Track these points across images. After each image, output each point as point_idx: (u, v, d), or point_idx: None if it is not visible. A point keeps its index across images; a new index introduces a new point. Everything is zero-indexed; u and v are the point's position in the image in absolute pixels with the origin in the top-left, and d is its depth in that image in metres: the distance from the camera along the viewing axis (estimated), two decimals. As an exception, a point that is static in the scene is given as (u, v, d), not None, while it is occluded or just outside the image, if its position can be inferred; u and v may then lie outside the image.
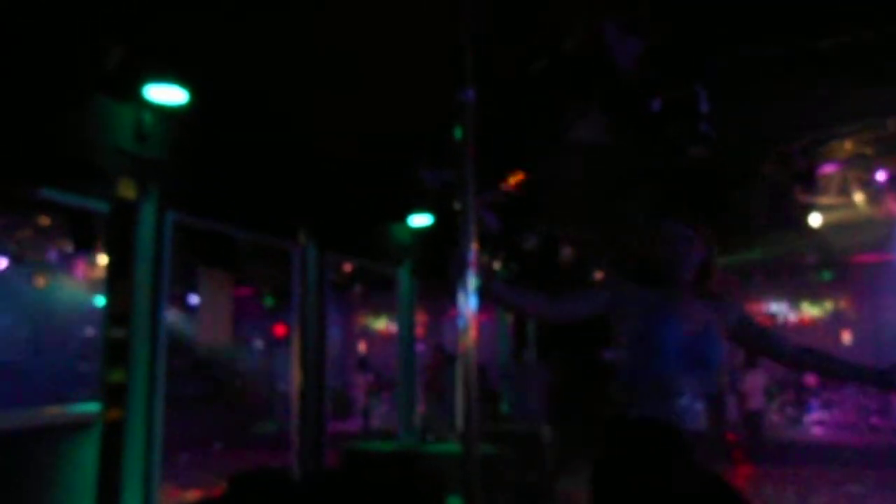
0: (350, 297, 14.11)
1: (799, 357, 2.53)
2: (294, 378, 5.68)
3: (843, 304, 12.70)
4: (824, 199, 6.75)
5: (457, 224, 2.33)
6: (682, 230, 2.41)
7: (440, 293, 9.97)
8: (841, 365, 2.55)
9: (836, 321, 12.69)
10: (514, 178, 5.88)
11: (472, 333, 2.31)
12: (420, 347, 8.68)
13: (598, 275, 10.98)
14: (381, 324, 15.00)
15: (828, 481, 8.21)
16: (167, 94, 3.77)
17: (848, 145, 5.72)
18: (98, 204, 3.87)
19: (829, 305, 12.78)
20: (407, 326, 7.35)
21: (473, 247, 2.28)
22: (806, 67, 4.05)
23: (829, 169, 6.15)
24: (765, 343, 2.55)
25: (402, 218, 6.70)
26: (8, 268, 4.89)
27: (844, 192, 6.60)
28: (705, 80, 3.65)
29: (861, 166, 6.24)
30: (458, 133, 2.33)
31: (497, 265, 9.17)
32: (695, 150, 4.06)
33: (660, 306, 2.35)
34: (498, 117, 4.05)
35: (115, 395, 4.05)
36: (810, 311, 12.89)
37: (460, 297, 2.32)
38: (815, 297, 12.80)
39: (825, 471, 8.80)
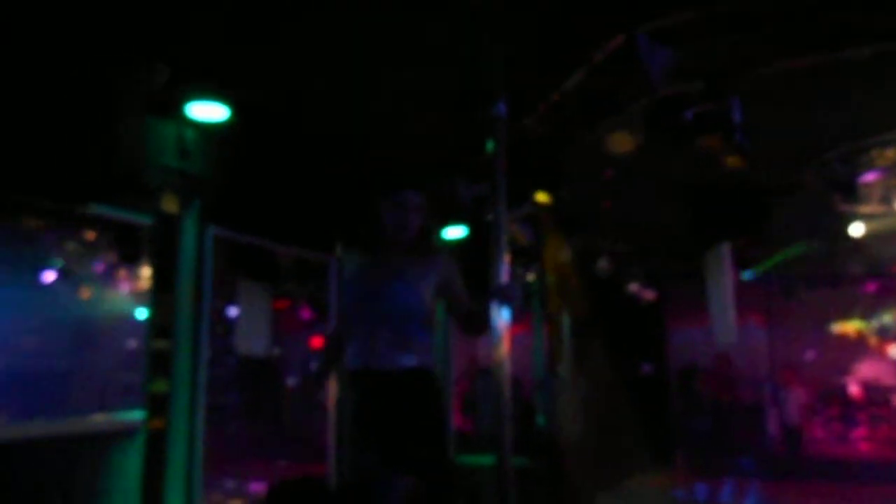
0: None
1: (463, 318, 2.76)
2: (330, 388, 5.74)
3: (888, 315, 12.34)
4: (866, 209, 6.60)
5: (490, 236, 2.37)
6: (413, 198, 2.66)
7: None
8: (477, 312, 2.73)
9: (882, 333, 12.33)
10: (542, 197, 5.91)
11: (505, 346, 2.34)
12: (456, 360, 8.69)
13: (634, 287, 10.88)
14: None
15: (873, 498, 7.97)
16: (209, 111, 3.89)
17: (890, 153, 5.59)
18: (142, 218, 3.99)
19: (873, 317, 12.43)
20: (442, 338, 7.38)
21: (505, 258, 2.32)
22: (845, 75, 4.00)
23: (870, 177, 6.01)
24: (453, 305, 2.77)
25: (436, 231, 6.75)
26: (55, 281, 5.05)
27: (887, 200, 6.45)
28: (739, 90, 3.63)
29: (903, 175, 6.09)
30: (490, 146, 2.37)
31: (531, 277, 9.16)
32: (730, 161, 4.03)
33: (370, 268, 2.68)
34: (532, 131, 4.08)
35: (157, 405, 4.16)
36: (854, 323, 12.56)
37: (493, 310, 2.36)
38: (858, 308, 12.47)
39: (870, 487, 8.55)
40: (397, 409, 2.50)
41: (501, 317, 2.38)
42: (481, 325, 2.62)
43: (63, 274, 4.03)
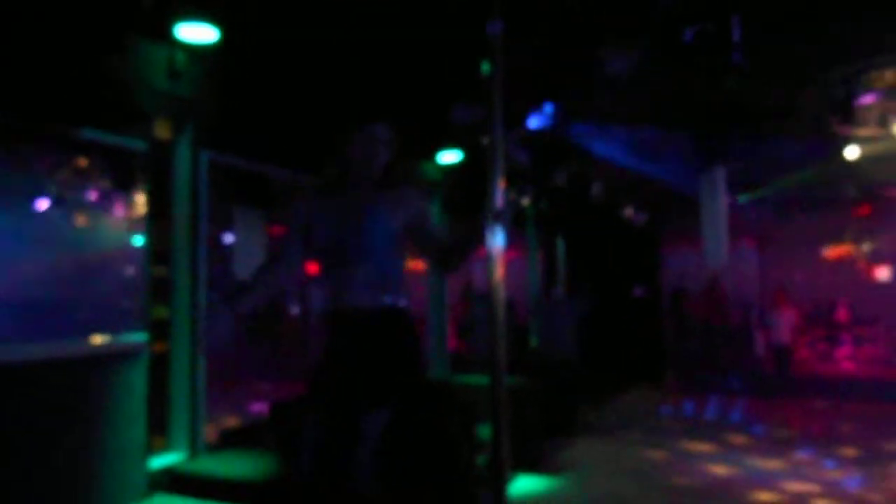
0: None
1: (437, 254, 2.71)
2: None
3: (880, 239, 12.45)
4: (862, 131, 6.57)
5: (486, 160, 2.35)
6: (383, 132, 2.61)
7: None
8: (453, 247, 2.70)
9: (873, 257, 12.47)
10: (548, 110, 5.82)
11: (499, 270, 2.37)
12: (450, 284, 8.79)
13: (628, 211, 10.92)
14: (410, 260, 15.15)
15: (856, 414, 8.26)
16: (198, 32, 3.80)
17: (889, 76, 5.53)
18: (135, 143, 3.96)
19: (866, 240, 12.53)
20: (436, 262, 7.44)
21: (501, 182, 2.32)
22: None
23: (867, 100, 5.96)
24: (424, 241, 2.70)
25: (431, 155, 6.71)
26: (49, 208, 5.04)
27: (883, 123, 6.41)
28: (739, 10, 3.55)
29: (902, 97, 6.04)
30: (485, 67, 2.33)
31: (526, 202, 9.17)
32: (729, 81, 3.98)
33: (338, 204, 2.61)
34: (530, 51, 4.01)
35: (159, 330, 4.24)
36: (845, 245, 12.68)
37: (488, 235, 2.37)
38: (850, 231, 12.56)
39: (854, 404, 8.85)
40: (372, 348, 2.50)
41: (496, 241, 2.39)
42: (459, 258, 2.61)
43: (56, 201, 4.02)
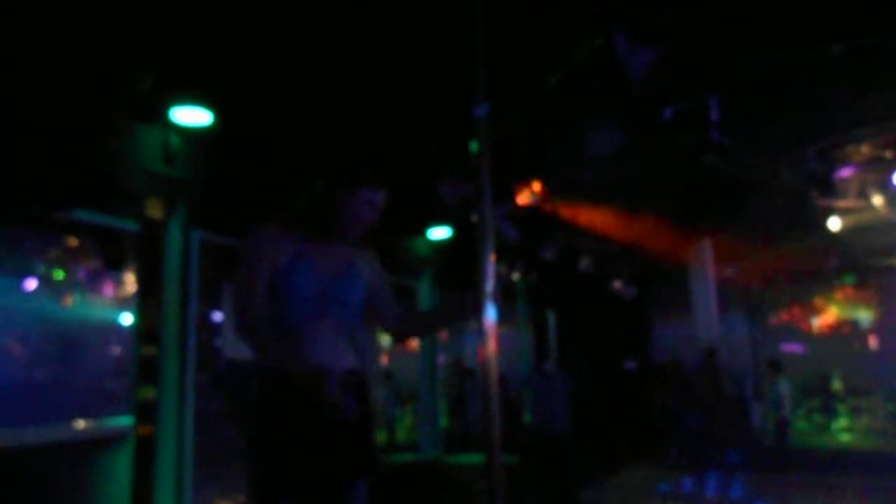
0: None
1: (398, 325, 2.55)
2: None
3: (867, 309, 12.54)
4: (843, 203, 6.72)
5: (475, 236, 2.38)
6: (384, 200, 2.45)
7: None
8: (428, 315, 2.62)
9: (861, 326, 12.52)
10: (535, 186, 5.93)
11: (492, 344, 2.36)
12: (441, 359, 8.73)
13: (617, 284, 10.98)
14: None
15: (856, 489, 8.10)
16: (192, 116, 3.89)
17: (865, 149, 5.71)
18: (127, 223, 3.99)
19: (854, 310, 12.62)
20: (429, 339, 7.41)
21: (491, 258, 2.34)
22: (819, 72, 4.07)
23: (846, 173, 6.13)
24: (377, 306, 2.52)
25: (421, 231, 6.78)
26: (37, 288, 5.02)
27: (863, 195, 6.57)
28: (717, 90, 3.69)
29: (879, 169, 6.22)
30: (473, 147, 2.39)
31: (516, 276, 9.21)
32: (708, 158, 4.09)
33: (297, 253, 2.34)
34: (515, 131, 4.12)
35: (145, 411, 4.15)
36: (836, 315, 12.74)
37: (482, 311, 2.36)
38: (837, 302, 12.65)
39: (853, 478, 8.69)
40: (331, 412, 2.25)
41: (489, 316, 2.39)
42: (419, 329, 2.49)
43: (45, 281, 4.00)
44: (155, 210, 4.19)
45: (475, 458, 5.98)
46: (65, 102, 3.48)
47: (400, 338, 2.56)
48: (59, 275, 4.21)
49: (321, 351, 2.28)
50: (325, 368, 2.26)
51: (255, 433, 2.25)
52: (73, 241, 4.36)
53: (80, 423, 3.62)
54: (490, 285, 2.32)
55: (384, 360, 15.14)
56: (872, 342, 11.99)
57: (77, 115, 3.53)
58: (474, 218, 2.43)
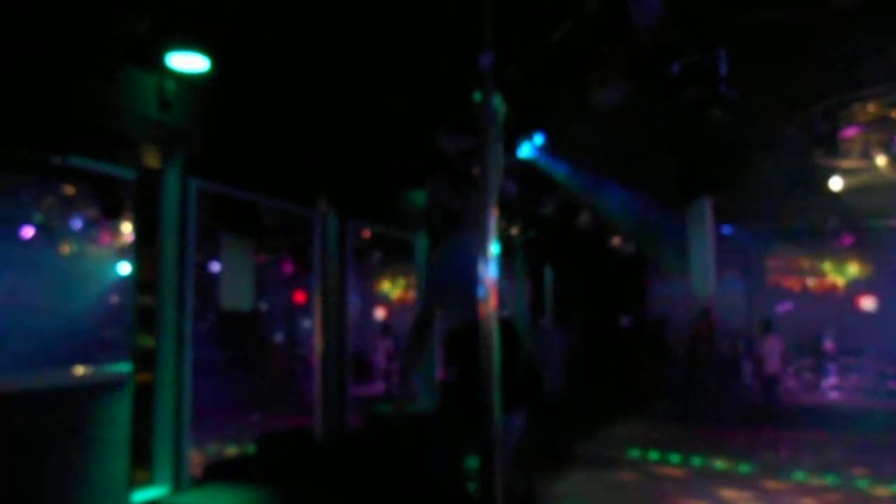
0: (368, 264, 14.17)
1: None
2: (315, 343, 5.79)
3: (864, 269, 12.58)
4: (846, 163, 6.67)
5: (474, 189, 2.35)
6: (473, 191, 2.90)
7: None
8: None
9: (857, 287, 12.57)
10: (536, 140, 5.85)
11: (492, 301, 2.35)
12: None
13: (616, 240, 10.97)
14: (399, 290, 15.07)
15: (843, 443, 8.24)
16: (189, 61, 3.80)
17: (871, 108, 5.63)
18: (124, 171, 3.94)
19: (850, 270, 12.66)
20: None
21: (493, 211, 2.31)
22: (829, 28, 3.99)
23: (851, 132, 6.06)
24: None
25: (420, 184, 6.72)
26: (34, 236, 4.99)
27: (866, 155, 6.52)
28: (726, 43, 3.61)
29: (884, 129, 6.15)
30: (477, 97, 2.34)
31: (515, 231, 9.19)
32: (715, 113, 4.03)
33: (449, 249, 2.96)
34: (519, 82, 4.04)
35: (144, 359, 4.18)
36: (831, 276, 12.79)
37: (481, 266, 2.35)
38: (835, 262, 12.68)
39: (840, 433, 8.83)
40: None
41: (489, 271, 2.37)
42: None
43: (41, 229, 3.97)
44: (151, 158, 4.14)
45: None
46: (57, 45, 3.39)
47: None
48: (56, 223, 4.18)
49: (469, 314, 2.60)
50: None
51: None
52: (69, 189, 4.31)
53: (80, 370, 3.63)
54: (490, 241, 2.31)
55: (384, 313, 15.25)
56: (867, 303, 12.07)
57: (69, 58, 3.44)
58: (475, 171, 2.40)
